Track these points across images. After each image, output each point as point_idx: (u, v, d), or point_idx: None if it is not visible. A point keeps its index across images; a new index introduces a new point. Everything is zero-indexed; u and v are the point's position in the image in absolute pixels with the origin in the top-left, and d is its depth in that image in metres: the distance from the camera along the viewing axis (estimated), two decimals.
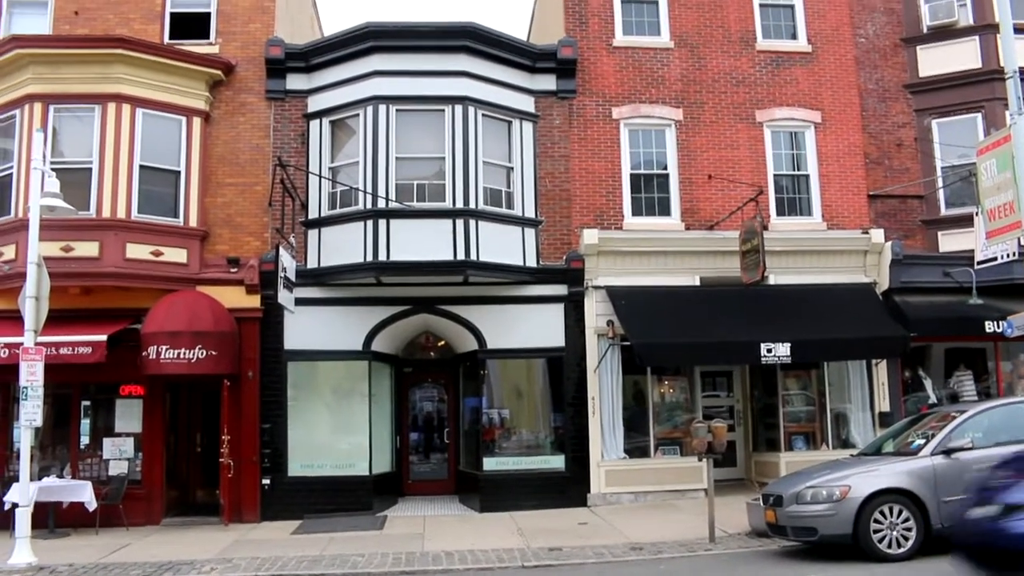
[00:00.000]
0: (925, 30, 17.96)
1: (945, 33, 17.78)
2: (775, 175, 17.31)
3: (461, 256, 15.07)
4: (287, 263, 14.57)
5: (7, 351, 13.92)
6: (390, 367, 17.02)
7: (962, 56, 17.58)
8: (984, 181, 14.21)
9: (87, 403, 15.85)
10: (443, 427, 18.16)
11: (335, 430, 15.96)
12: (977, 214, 15.34)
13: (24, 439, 12.41)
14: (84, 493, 14.24)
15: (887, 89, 17.92)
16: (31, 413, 12.31)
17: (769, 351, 15.14)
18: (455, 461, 17.75)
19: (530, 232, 16.26)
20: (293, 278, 14.88)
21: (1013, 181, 12.20)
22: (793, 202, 17.38)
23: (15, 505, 12.23)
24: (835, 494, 10.37)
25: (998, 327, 15.70)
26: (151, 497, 15.33)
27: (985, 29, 17.28)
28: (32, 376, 12.31)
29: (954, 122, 17.55)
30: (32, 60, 15.05)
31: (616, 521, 14.04)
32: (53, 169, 13.16)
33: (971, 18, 17.64)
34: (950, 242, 17.11)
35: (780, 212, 17.16)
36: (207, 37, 16.57)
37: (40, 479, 14.11)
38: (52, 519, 14.22)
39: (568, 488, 15.73)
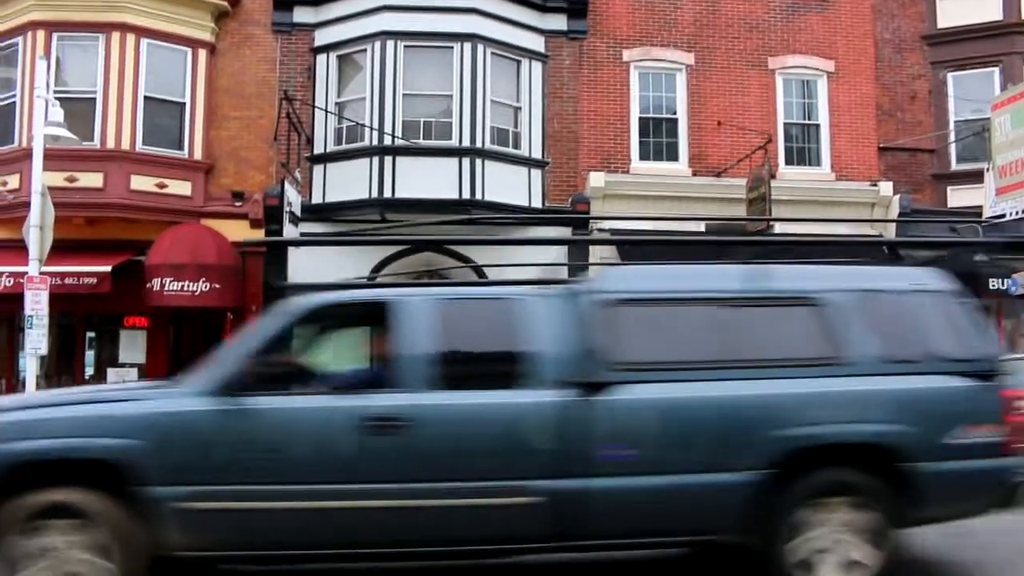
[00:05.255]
0: None
1: None
2: (785, 124, 17.14)
3: (467, 195, 15.04)
4: (292, 198, 14.53)
5: (11, 280, 13.97)
6: None
7: (983, 8, 17.23)
8: (997, 137, 14.11)
9: (91, 334, 15.97)
10: None
11: (335, 364, 16.03)
12: (988, 170, 15.24)
13: (29, 367, 12.50)
14: None
15: (903, 39, 17.62)
16: (36, 342, 12.39)
17: None
18: None
19: (536, 173, 16.18)
20: (298, 213, 14.86)
21: None
22: (802, 152, 17.23)
23: None
24: None
25: (1002, 285, 15.69)
26: None
27: None
28: (37, 305, 12.36)
29: (970, 76, 17.29)
30: None
31: None
32: (57, 98, 13.03)
33: None
34: (959, 197, 16.98)
35: (789, 161, 17.03)
36: None
37: None
38: None
39: None
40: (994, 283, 15.88)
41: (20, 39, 15.03)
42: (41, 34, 14.83)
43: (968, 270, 15.98)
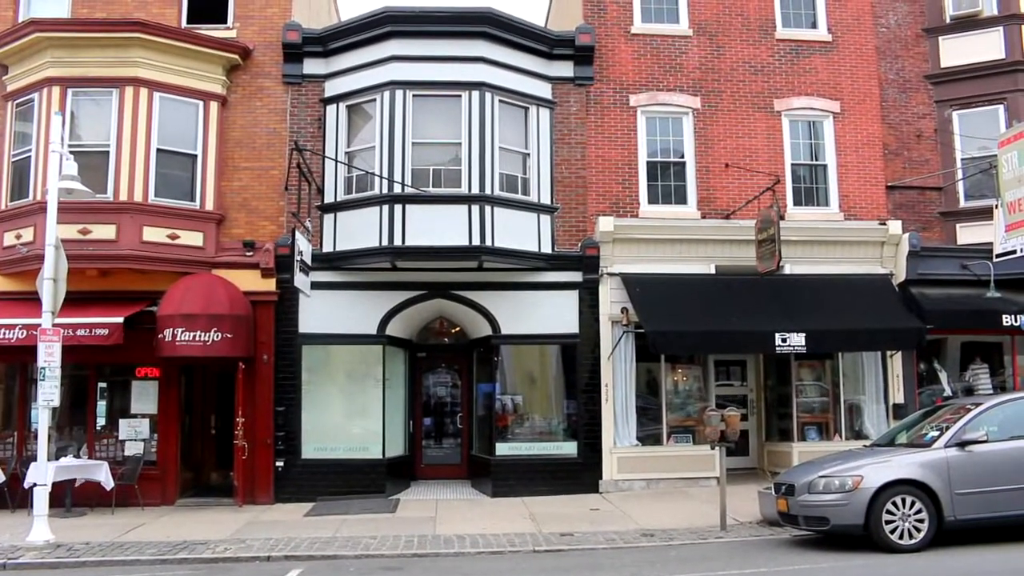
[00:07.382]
0: (948, 20, 17.76)
1: (968, 24, 17.59)
2: (792, 164, 17.20)
3: (476, 242, 15.08)
4: (303, 247, 14.62)
5: (25, 332, 14.06)
6: (404, 352, 17.07)
7: (985, 47, 17.37)
8: (1005, 173, 14.14)
9: (103, 385, 16.00)
10: (456, 412, 18.19)
11: (349, 414, 16.04)
12: (997, 207, 15.24)
13: (42, 419, 12.53)
14: (100, 473, 14.39)
15: (907, 79, 17.76)
16: (48, 393, 12.43)
17: (784, 341, 15.09)
18: (468, 446, 17.79)
19: (545, 219, 16.24)
20: (309, 262, 14.94)
21: None
22: (810, 192, 17.28)
23: (35, 484, 12.40)
24: (847, 484, 10.34)
25: (1015, 321, 15.62)
26: (166, 478, 15.46)
27: (1010, 19, 17.09)
28: (49, 357, 12.42)
29: (975, 113, 17.39)
30: (51, 43, 15.11)
31: (627, 508, 14.07)
32: (71, 152, 13.22)
33: (995, 8, 17.43)
34: (969, 234, 16.97)
35: (797, 202, 17.07)
36: (225, 21, 16.58)
37: (58, 459, 14.26)
38: (69, 498, 14.37)
39: (580, 474, 15.77)
40: (1007, 319, 15.81)
41: (36, 95, 15.29)
42: (56, 90, 15.09)
43: (981, 307, 15.97)
